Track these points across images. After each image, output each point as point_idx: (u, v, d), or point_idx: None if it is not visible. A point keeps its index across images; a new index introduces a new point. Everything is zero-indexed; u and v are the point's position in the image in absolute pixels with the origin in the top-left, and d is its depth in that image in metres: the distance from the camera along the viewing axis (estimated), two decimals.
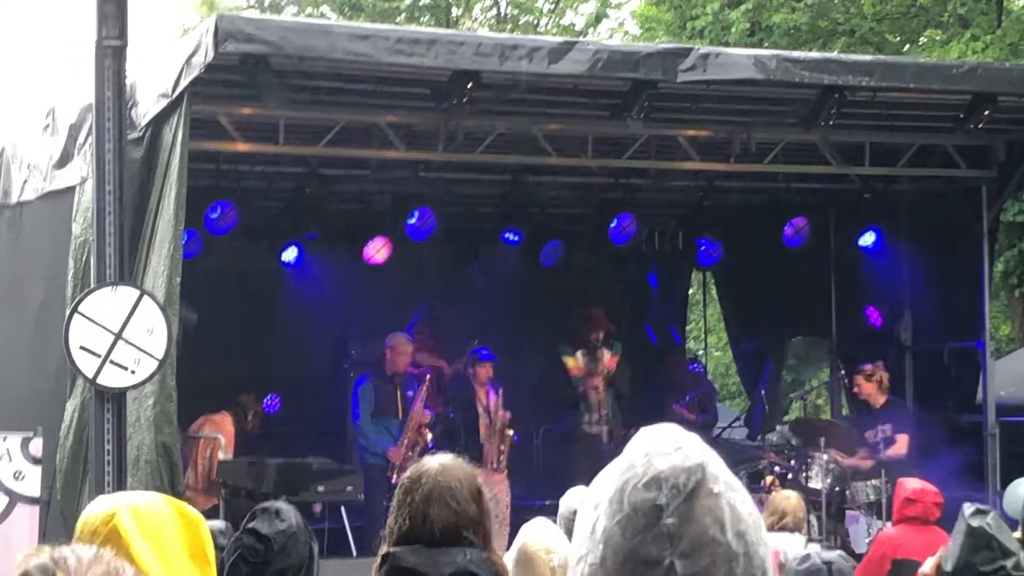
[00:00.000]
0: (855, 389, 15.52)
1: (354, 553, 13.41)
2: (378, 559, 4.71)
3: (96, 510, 4.13)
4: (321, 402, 16.06)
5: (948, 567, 5.88)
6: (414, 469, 4.76)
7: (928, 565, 6.04)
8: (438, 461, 4.76)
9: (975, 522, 5.89)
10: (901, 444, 14.99)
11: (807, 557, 6.39)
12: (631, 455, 2.40)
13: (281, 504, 5.36)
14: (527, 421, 16.05)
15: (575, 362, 15.92)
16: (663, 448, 2.38)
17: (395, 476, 13.51)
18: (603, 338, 15.90)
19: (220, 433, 13.81)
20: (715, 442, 17.20)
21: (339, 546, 13.70)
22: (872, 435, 14.88)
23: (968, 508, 5.96)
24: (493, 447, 14.92)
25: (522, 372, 15.84)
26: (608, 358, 15.87)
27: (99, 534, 3.99)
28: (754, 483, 15.57)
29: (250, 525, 5.26)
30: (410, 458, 13.45)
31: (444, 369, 16.13)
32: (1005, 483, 15.53)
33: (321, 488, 13.67)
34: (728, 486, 2.37)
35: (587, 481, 2.60)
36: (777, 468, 15.03)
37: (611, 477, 2.39)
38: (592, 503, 2.41)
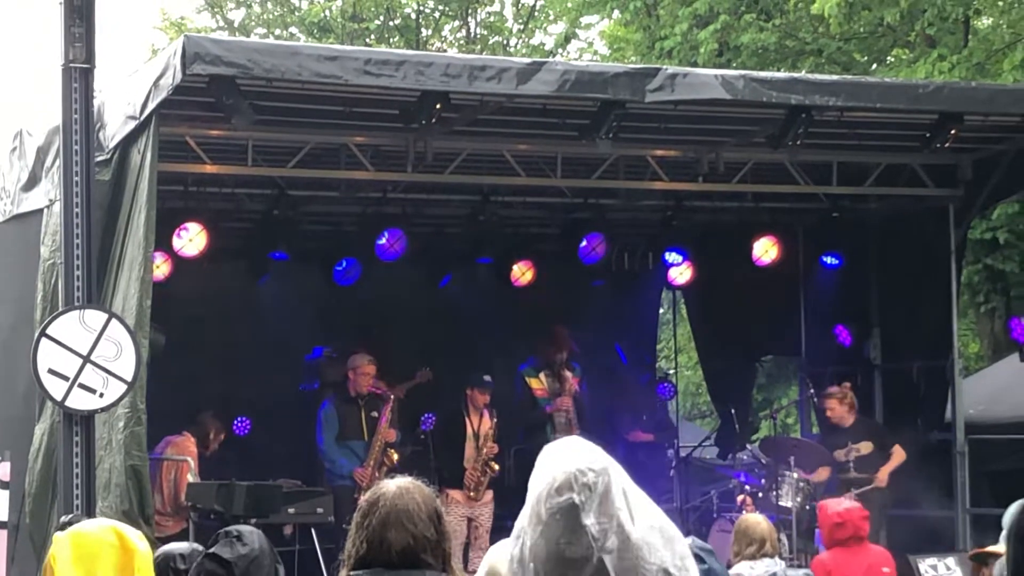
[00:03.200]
0: (828, 412, 15.54)
1: (324, 575, 13.38)
2: None
3: (59, 534, 4.31)
4: (291, 424, 16.01)
5: None
6: (372, 492, 4.74)
7: None
8: (396, 484, 4.74)
9: None
10: (898, 455, 15.06)
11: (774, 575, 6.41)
12: (539, 472, 2.46)
13: (244, 527, 5.31)
14: (502, 439, 16.03)
15: (539, 383, 15.90)
16: (567, 455, 2.45)
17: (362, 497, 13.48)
18: (566, 358, 15.89)
19: (184, 455, 13.78)
20: (686, 461, 17.24)
21: (310, 568, 13.68)
22: (843, 454, 14.90)
23: None
24: (475, 473, 14.88)
25: (495, 392, 15.79)
26: (572, 378, 15.86)
27: (48, 555, 4.20)
28: (725, 502, 15.60)
29: (212, 549, 5.19)
30: (377, 478, 13.40)
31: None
32: (974, 501, 15.62)
33: (292, 510, 13.64)
34: (633, 487, 2.45)
35: None
36: (748, 487, 15.05)
37: (528, 502, 2.44)
38: (515, 535, 2.46)
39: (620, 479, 2.48)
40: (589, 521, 2.41)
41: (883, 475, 14.91)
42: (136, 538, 4.43)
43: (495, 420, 15.03)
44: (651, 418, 17.03)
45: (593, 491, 2.43)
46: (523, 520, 2.49)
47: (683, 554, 2.48)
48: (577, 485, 2.43)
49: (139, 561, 4.30)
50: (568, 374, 15.85)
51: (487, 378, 15.04)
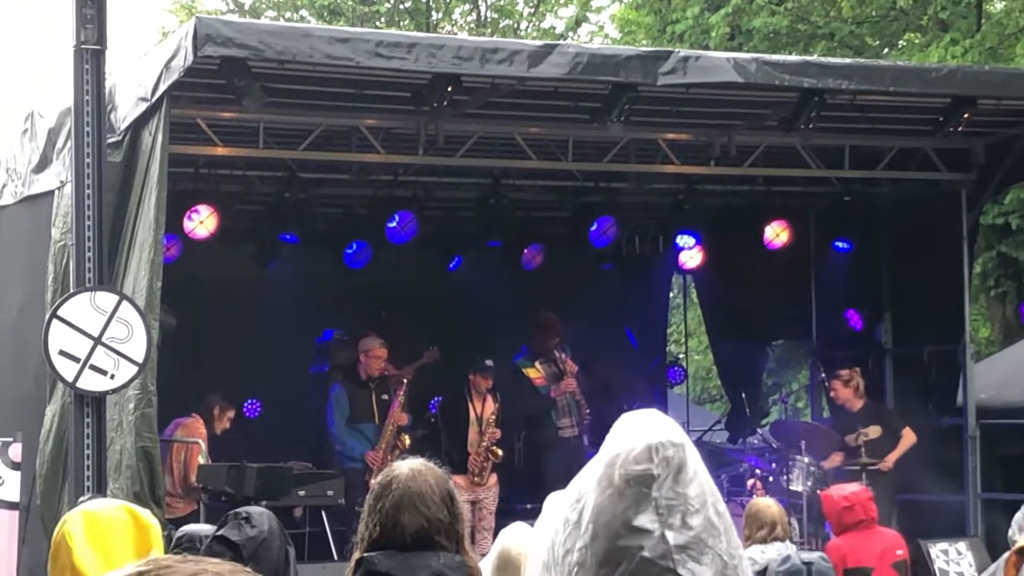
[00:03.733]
0: (832, 394, 15.56)
1: (335, 557, 13.39)
2: (351, 564, 4.68)
3: (68, 513, 4.33)
4: (302, 406, 16.02)
5: None
6: (384, 474, 4.72)
7: None
8: (408, 466, 4.72)
9: None
10: (908, 437, 15.03)
11: (787, 558, 6.40)
12: (616, 438, 2.47)
13: (254, 509, 5.25)
14: (507, 426, 16.04)
15: (536, 371, 15.85)
16: (650, 425, 2.46)
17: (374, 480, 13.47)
18: (558, 343, 15.86)
19: (195, 436, 13.78)
20: (696, 445, 17.21)
21: (320, 550, 13.68)
22: (852, 439, 14.88)
23: None
24: (478, 459, 14.86)
25: (503, 376, 15.79)
26: (568, 359, 15.84)
27: (58, 534, 4.23)
28: (736, 486, 15.58)
29: (220, 532, 5.14)
30: (389, 461, 13.38)
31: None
32: (986, 486, 15.60)
33: (302, 492, 13.64)
34: (703, 468, 2.47)
35: (567, 484, 2.61)
36: (759, 471, 15.03)
37: (596, 466, 2.45)
38: (573, 499, 2.45)
39: (694, 457, 2.51)
40: (660, 493, 2.43)
41: (889, 460, 14.88)
42: (147, 515, 4.44)
43: (498, 404, 15.01)
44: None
45: (669, 465, 2.45)
46: (587, 484, 2.48)
47: (737, 544, 2.51)
48: (657, 457, 2.46)
49: (154, 536, 4.31)
50: (563, 355, 15.84)
51: (488, 362, 15.01)
